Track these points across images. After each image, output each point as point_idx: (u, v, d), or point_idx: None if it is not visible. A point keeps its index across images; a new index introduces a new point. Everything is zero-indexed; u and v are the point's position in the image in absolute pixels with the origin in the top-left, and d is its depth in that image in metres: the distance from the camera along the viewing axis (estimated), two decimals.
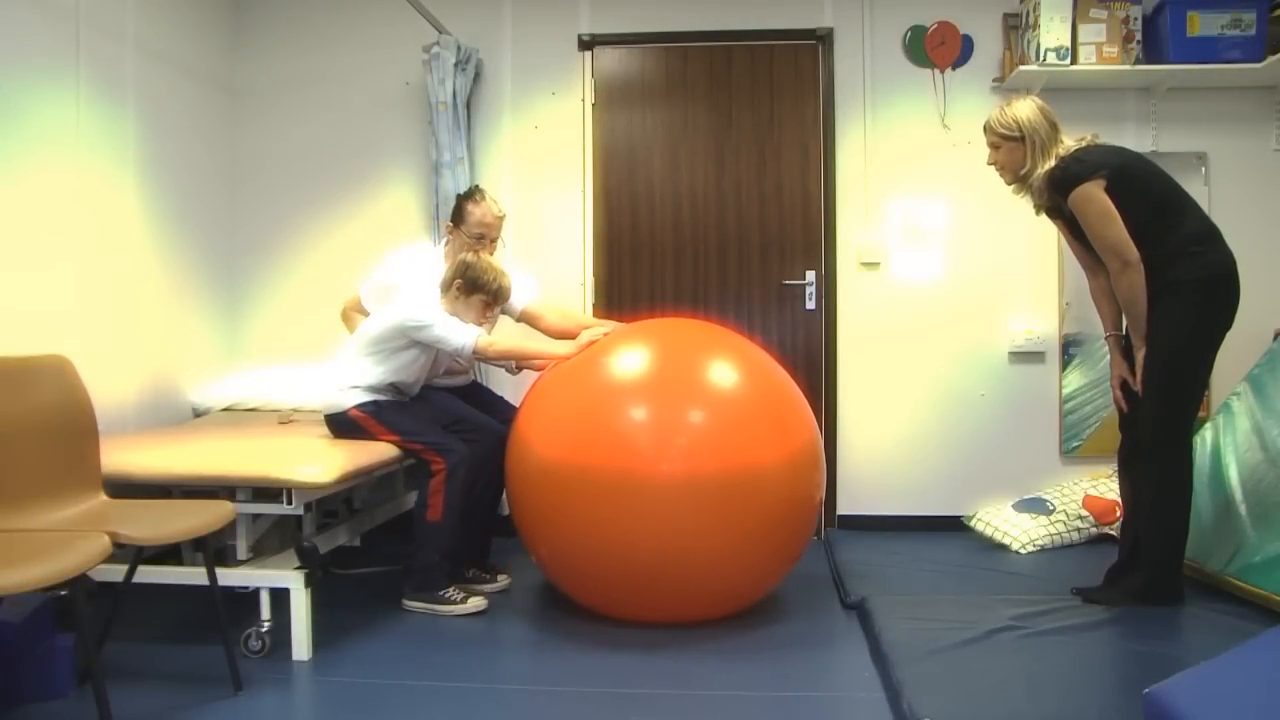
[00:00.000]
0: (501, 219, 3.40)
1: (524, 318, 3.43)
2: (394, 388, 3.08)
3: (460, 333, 2.98)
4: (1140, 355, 2.76)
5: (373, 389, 3.02)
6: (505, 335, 3.44)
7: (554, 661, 2.61)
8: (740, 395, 2.79)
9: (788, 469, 2.71)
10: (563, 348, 3.07)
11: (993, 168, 2.93)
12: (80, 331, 3.13)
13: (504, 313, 3.39)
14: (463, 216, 3.34)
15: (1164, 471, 2.75)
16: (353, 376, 3.03)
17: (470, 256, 3.09)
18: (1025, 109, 2.81)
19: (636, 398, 2.75)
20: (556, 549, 2.82)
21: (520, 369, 3.38)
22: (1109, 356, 2.97)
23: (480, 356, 3.03)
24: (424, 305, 3.01)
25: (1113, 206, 2.67)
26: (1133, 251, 2.67)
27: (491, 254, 3.32)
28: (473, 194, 3.39)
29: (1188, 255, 2.69)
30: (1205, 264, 2.69)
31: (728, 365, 2.84)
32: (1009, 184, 2.92)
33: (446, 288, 3.08)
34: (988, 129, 2.88)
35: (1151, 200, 2.73)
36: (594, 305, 4.11)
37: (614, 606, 2.85)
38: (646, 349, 2.89)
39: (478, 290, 3.05)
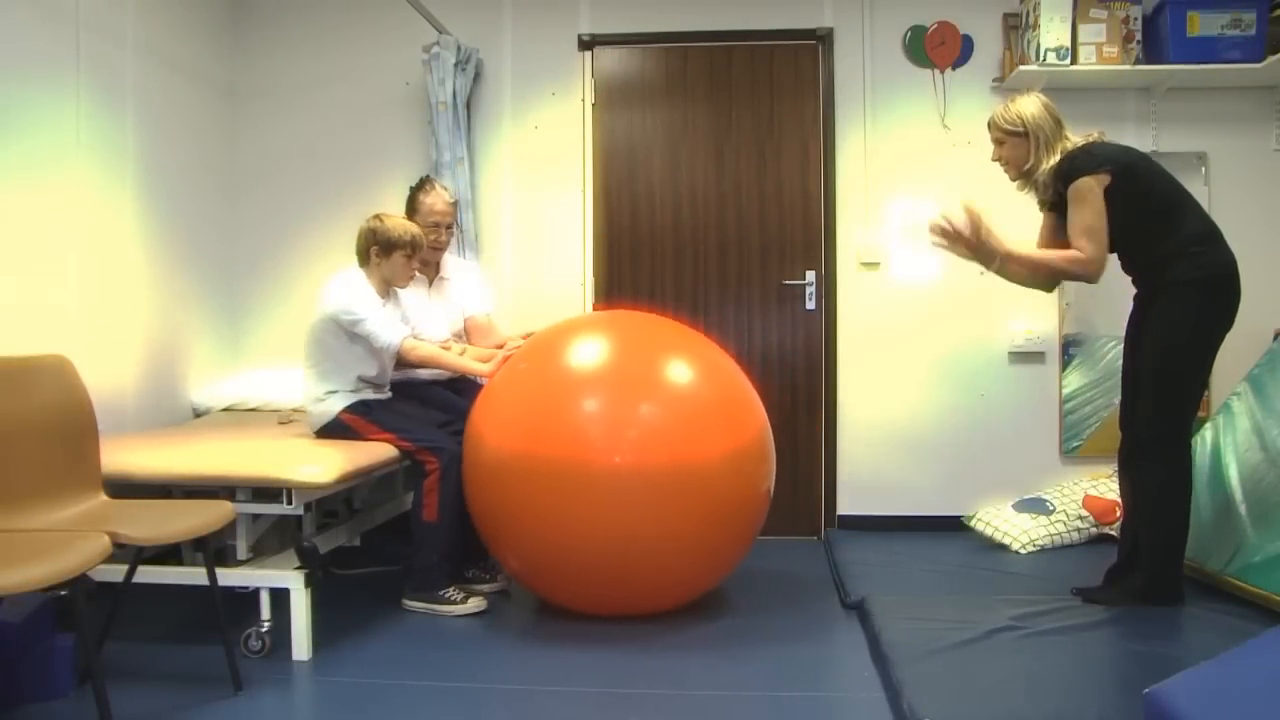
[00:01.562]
0: (453, 206, 3.51)
1: (466, 323, 3.52)
2: (367, 384, 3.09)
3: (388, 331, 2.99)
4: (991, 240, 2.76)
5: (352, 391, 3.04)
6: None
7: (554, 661, 2.61)
8: (690, 389, 2.83)
9: (735, 462, 2.76)
10: (484, 365, 3.11)
11: (997, 165, 2.94)
12: (80, 331, 3.12)
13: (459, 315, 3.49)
14: (415, 207, 3.43)
15: (1163, 471, 2.75)
16: (325, 384, 3.03)
17: (373, 222, 3.09)
18: (1030, 105, 2.82)
19: (588, 390, 2.79)
20: (510, 539, 2.84)
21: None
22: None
23: (403, 357, 3.05)
24: (356, 296, 3.00)
25: (1104, 206, 2.69)
26: (1104, 254, 2.70)
27: (446, 241, 3.44)
28: (423, 184, 3.48)
29: (1188, 255, 2.70)
30: (1205, 264, 2.70)
31: (679, 359, 2.88)
32: (1013, 180, 2.92)
33: (364, 258, 3.08)
34: (992, 125, 2.89)
35: (1153, 200, 2.73)
36: (594, 305, 4.11)
37: (564, 596, 2.90)
38: (598, 342, 2.93)
39: (395, 248, 3.05)
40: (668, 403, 2.78)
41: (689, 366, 2.87)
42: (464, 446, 2.94)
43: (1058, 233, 2.86)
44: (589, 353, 2.88)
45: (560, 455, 2.66)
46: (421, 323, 3.29)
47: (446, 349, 3.24)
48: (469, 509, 2.95)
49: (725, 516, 2.78)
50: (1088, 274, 2.72)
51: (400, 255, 3.06)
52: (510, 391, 2.90)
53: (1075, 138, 2.81)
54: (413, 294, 3.31)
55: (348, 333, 3.00)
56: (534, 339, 3.09)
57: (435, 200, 3.41)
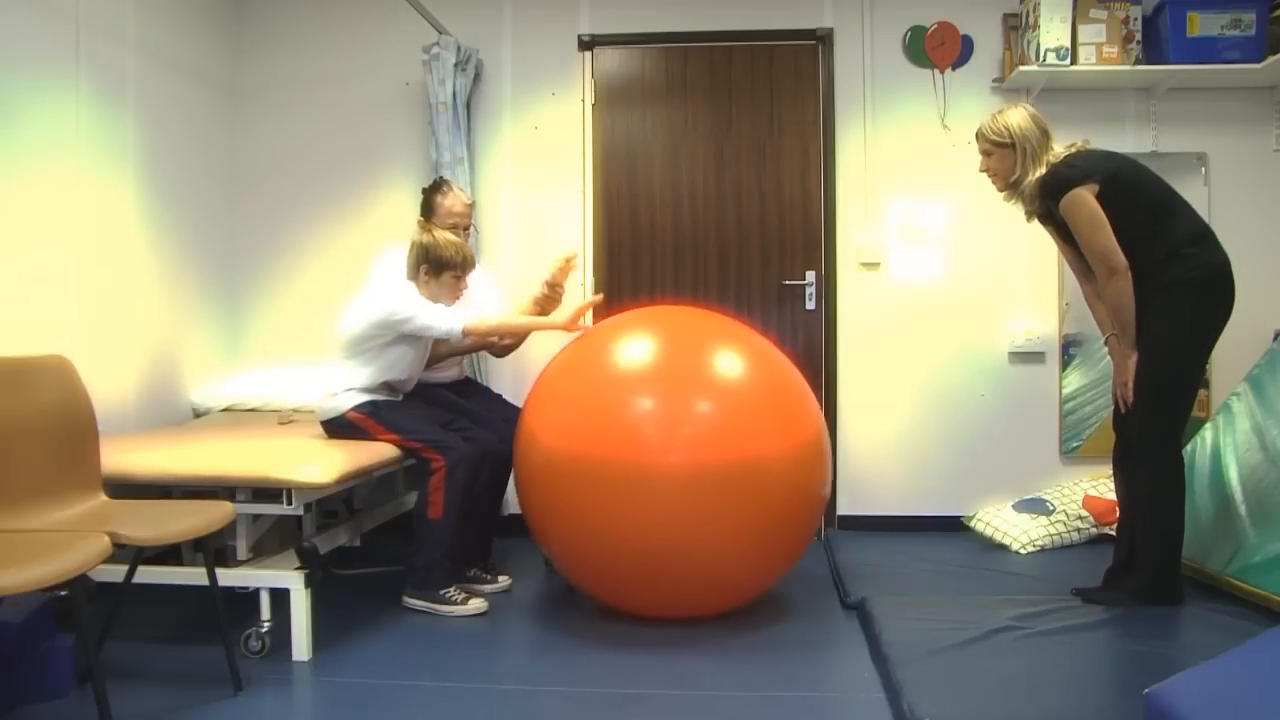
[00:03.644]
0: (470, 206, 3.49)
1: None
2: (387, 386, 3.09)
3: (445, 318, 2.97)
4: (1131, 362, 2.77)
5: (367, 390, 3.03)
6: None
7: (554, 661, 2.61)
8: (746, 386, 2.77)
9: (793, 462, 2.71)
10: (554, 317, 3.08)
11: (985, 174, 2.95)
12: (80, 331, 3.12)
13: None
14: (432, 209, 3.40)
15: (1156, 472, 2.75)
16: (344, 380, 3.03)
17: (425, 237, 3.06)
18: (1016, 116, 2.82)
19: (642, 388, 2.74)
20: (564, 540, 2.82)
21: (506, 351, 3.48)
22: (1110, 358, 2.97)
23: (470, 335, 3.02)
24: (403, 296, 3.00)
25: (1102, 212, 2.69)
26: (1120, 259, 2.68)
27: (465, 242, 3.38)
28: (439, 186, 3.45)
29: (1181, 257, 2.70)
30: (1199, 265, 2.70)
31: (733, 355, 2.82)
32: (1000, 191, 2.93)
33: (414, 274, 3.07)
34: (979, 136, 2.90)
35: (1143, 204, 2.74)
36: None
37: (621, 598, 2.86)
38: (650, 338, 2.87)
39: (446, 268, 3.04)
40: (724, 400, 2.72)
41: (744, 362, 2.80)
42: (515, 446, 2.93)
43: (1079, 261, 2.86)
44: (641, 349, 2.82)
45: (614, 455, 2.61)
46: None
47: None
48: (521, 507, 2.94)
49: (783, 517, 2.71)
50: (1119, 289, 2.70)
51: (450, 276, 3.05)
52: (563, 390, 2.87)
53: (1058, 148, 2.81)
54: None
55: (392, 335, 2.98)
56: (585, 334, 3.04)
57: (453, 201, 3.39)
